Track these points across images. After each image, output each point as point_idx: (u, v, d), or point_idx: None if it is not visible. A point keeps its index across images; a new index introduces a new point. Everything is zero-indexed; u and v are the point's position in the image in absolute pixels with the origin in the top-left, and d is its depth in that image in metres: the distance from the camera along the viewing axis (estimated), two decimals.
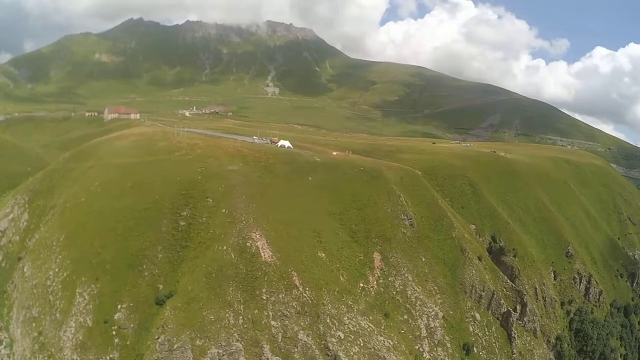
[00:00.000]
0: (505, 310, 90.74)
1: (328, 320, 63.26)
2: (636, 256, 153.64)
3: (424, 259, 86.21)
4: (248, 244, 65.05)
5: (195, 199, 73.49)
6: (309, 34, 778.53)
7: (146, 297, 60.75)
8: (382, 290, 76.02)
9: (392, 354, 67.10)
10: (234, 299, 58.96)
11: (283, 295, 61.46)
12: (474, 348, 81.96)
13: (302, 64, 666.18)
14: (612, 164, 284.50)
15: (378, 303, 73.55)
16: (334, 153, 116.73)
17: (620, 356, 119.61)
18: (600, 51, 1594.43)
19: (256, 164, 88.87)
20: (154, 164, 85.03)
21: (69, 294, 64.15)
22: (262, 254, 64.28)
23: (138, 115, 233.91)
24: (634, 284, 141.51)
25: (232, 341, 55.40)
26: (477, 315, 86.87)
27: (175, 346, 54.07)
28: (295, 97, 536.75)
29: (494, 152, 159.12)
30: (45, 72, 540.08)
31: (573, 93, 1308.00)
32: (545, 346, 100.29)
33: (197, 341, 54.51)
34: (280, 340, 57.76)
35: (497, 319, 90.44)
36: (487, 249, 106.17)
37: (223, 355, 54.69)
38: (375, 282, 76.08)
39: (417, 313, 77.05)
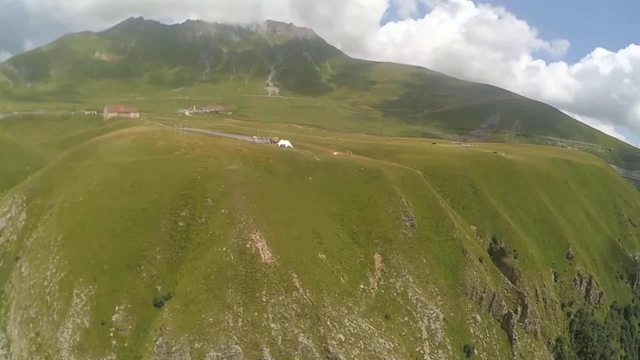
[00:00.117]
0: (506, 312, 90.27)
1: (328, 323, 62.65)
2: (636, 258, 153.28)
3: (424, 260, 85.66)
4: (248, 245, 64.41)
5: (194, 199, 72.77)
6: (309, 34, 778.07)
7: (144, 298, 60.05)
8: (383, 291, 75.45)
9: (392, 356, 66.58)
10: (233, 301, 58.28)
11: (283, 297, 60.79)
12: (475, 350, 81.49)
13: (302, 64, 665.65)
14: (612, 165, 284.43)
15: (379, 305, 72.97)
16: (335, 153, 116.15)
17: (621, 358, 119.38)
18: (600, 52, 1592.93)
19: (256, 164, 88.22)
20: (153, 164, 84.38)
21: (66, 294, 63.51)
22: (262, 256, 63.63)
23: (137, 114, 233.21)
24: (634, 286, 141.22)
25: (231, 344, 54.74)
26: (478, 317, 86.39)
27: (174, 349, 53.44)
28: (295, 96, 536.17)
29: (495, 152, 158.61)
30: (45, 70, 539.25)
31: (573, 94, 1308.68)
32: (545, 348, 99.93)
33: (196, 344, 53.87)
34: (280, 343, 57.12)
35: (498, 320, 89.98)
36: (488, 250, 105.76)
37: (222, 358, 54.08)
38: (375, 284, 75.51)
39: (418, 315, 76.52)
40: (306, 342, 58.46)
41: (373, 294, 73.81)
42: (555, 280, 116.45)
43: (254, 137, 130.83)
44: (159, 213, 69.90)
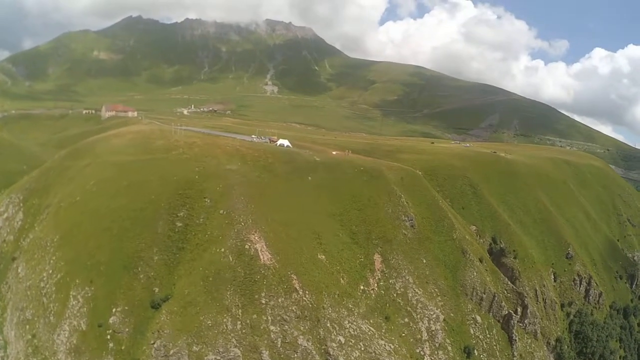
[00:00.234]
0: (506, 312, 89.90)
1: (328, 325, 61.96)
2: (635, 258, 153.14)
3: (424, 261, 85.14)
4: (246, 246, 63.63)
5: (192, 199, 71.87)
6: (309, 33, 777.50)
7: (141, 300, 59.17)
8: (383, 292, 74.86)
9: (393, 358, 66.05)
10: (232, 303, 57.47)
11: (282, 299, 60.02)
12: (475, 351, 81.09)
13: (301, 63, 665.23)
14: (610, 165, 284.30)
15: (379, 306, 72.36)
16: (334, 152, 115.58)
17: (620, 358, 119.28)
18: (599, 52, 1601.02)
19: (255, 164, 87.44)
20: (151, 163, 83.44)
21: (62, 296, 62.70)
22: (261, 257, 62.88)
23: (136, 113, 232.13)
24: (633, 286, 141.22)
25: (230, 347, 53.96)
26: (478, 318, 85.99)
27: (172, 352, 52.68)
28: (294, 95, 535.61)
29: (494, 152, 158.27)
30: (43, 69, 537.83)
31: (572, 94, 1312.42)
32: (545, 348, 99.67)
33: (194, 347, 53.07)
34: (279, 345, 56.37)
35: (498, 321, 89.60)
36: (488, 250, 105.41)
37: None
38: (375, 285, 74.91)
39: (418, 316, 76.02)
40: (306, 345, 57.77)
41: (373, 295, 73.21)
42: (555, 281, 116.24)
43: (253, 136, 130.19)
44: (156, 213, 69.01)
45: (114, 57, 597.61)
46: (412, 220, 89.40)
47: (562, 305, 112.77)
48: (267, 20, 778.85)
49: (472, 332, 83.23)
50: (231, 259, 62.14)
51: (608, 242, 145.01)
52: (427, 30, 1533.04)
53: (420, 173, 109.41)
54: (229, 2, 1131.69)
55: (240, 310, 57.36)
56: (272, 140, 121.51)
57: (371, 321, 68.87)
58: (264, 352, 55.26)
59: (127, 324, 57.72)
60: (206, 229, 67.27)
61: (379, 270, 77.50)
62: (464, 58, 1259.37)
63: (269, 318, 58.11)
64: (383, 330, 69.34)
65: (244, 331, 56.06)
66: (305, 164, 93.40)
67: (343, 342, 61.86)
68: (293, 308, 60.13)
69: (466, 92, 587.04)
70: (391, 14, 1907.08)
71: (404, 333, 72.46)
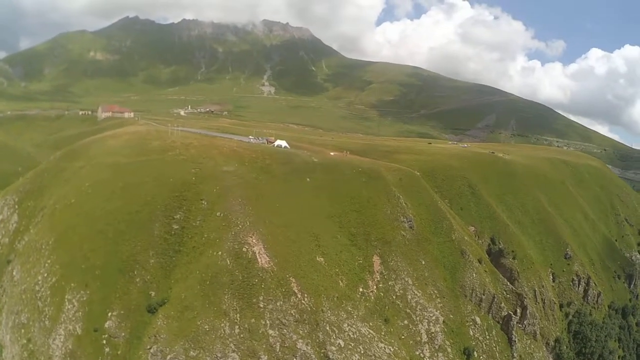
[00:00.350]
0: (506, 313, 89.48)
1: (327, 328, 61.25)
2: (633, 257, 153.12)
3: (423, 262, 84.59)
4: (244, 249, 62.87)
5: (188, 201, 71.15)
6: (306, 34, 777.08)
7: (137, 304, 58.41)
8: (382, 294, 74.25)
9: None
10: (230, 307, 56.68)
11: (281, 302, 59.24)
12: (475, 352, 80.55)
13: (298, 64, 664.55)
14: (607, 165, 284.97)
15: (378, 308, 71.74)
16: (332, 153, 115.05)
17: (619, 358, 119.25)
18: (595, 53, 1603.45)
19: (252, 165, 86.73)
20: (147, 164, 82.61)
21: (57, 300, 61.90)
22: (259, 260, 62.12)
23: (132, 114, 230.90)
24: (632, 285, 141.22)
25: (228, 352, 53.18)
26: (478, 319, 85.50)
27: (168, 357, 51.90)
28: (291, 96, 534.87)
29: (492, 152, 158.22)
30: (40, 70, 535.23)
31: (568, 94, 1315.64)
32: (544, 349, 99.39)
33: (191, 352, 52.26)
34: (278, 350, 55.59)
35: (498, 322, 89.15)
36: (487, 251, 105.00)
37: None
38: (375, 287, 74.29)
39: (418, 318, 75.45)
40: (305, 349, 57.02)
41: (372, 298, 72.58)
42: (554, 281, 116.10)
43: (250, 137, 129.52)
44: (152, 215, 68.25)
45: (111, 58, 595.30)
46: (410, 221, 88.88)
47: (561, 306, 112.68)
48: (264, 20, 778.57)
49: (471, 333, 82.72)
50: (228, 262, 61.38)
51: (606, 242, 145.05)
52: (424, 31, 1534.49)
53: (418, 174, 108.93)
54: (226, 3, 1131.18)
55: (238, 315, 56.58)
56: (270, 141, 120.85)
57: (370, 324, 68.24)
58: (262, 356, 54.49)
59: (123, 328, 56.97)
60: (203, 232, 66.53)
61: (377, 272, 76.91)
62: (461, 58, 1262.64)
63: (268, 322, 57.30)
64: (382, 333, 68.74)
65: (242, 336, 55.25)
66: (303, 165, 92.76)
67: (342, 345, 61.17)
68: (292, 312, 59.40)
69: (463, 92, 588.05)
70: (388, 14, 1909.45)
71: (403, 335, 71.90)
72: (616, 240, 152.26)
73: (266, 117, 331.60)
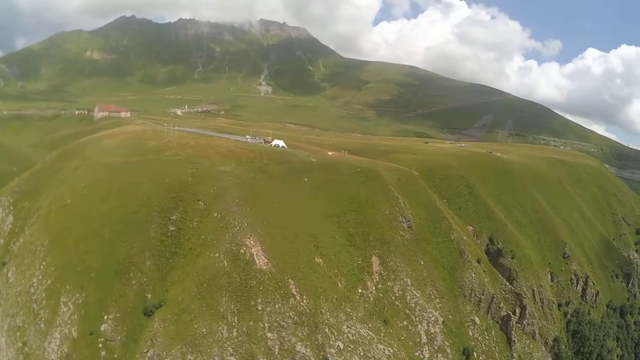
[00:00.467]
0: (505, 313, 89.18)
1: (327, 330, 60.66)
2: (631, 256, 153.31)
3: (422, 263, 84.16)
4: (242, 251, 62.15)
5: (185, 202, 70.31)
6: (303, 33, 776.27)
7: (134, 307, 57.59)
8: (381, 295, 73.72)
9: None
10: (228, 310, 55.99)
11: (279, 305, 58.60)
12: (474, 353, 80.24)
13: (295, 63, 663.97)
14: (604, 165, 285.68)
15: (377, 309, 71.20)
16: (330, 153, 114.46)
17: (617, 357, 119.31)
18: (592, 52, 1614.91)
19: (250, 165, 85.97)
20: (143, 165, 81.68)
21: (53, 302, 61.03)
22: (257, 261, 61.43)
23: (128, 114, 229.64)
24: (629, 284, 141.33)
25: (226, 355, 52.51)
26: (477, 319, 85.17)
27: None
28: (288, 96, 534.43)
29: (490, 152, 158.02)
30: (36, 69, 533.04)
31: (565, 94, 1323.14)
32: (543, 348, 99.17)
33: (189, 356, 51.57)
34: (277, 352, 54.94)
35: (497, 322, 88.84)
36: (485, 251, 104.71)
37: None
38: (374, 288, 73.74)
39: (417, 319, 75.00)
40: (304, 351, 56.41)
41: (371, 299, 72.03)
42: (552, 280, 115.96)
43: (247, 136, 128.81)
44: (148, 217, 67.40)
45: (107, 57, 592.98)
46: (409, 221, 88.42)
47: (560, 305, 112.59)
48: (261, 20, 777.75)
49: (470, 333, 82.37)
50: (226, 264, 60.66)
51: (604, 241, 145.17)
52: (421, 31, 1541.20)
53: (416, 173, 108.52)
54: (223, 2, 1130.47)
55: (236, 318, 55.88)
56: (267, 141, 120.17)
57: (370, 325, 67.71)
58: None
59: (119, 331, 56.19)
60: (200, 233, 65.78)
61: (376, 272, 76.39)
62: (457, 58, 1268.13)
63: (266, 325, 56.62)
64: (382, 334, 68.23)
65: (240, 339, 54.55)
66: (301, 164, 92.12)
67: (342, 347, 60.61)
68: (290, 314, 58.76)
69: (460, 92, 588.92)
70: (385, 14, 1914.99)
71: (402, 336, 71.41)
72: (614, 240, 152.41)
73: (263, 117, 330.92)
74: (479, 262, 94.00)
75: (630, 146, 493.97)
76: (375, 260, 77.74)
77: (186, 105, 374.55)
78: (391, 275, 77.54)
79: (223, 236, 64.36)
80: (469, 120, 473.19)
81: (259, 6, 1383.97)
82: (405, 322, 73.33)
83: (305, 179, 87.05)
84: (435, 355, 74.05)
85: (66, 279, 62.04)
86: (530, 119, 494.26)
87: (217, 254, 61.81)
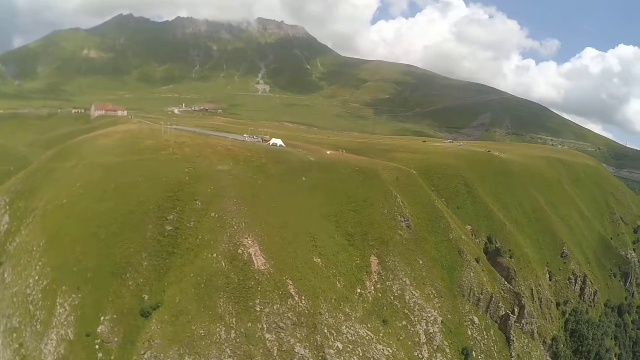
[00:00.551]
0: (504, 313, 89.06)
1: (326, 331, 60.22)
2: (629, 256, 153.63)
3: (421, 262, 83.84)
4: (240, 251, 61.61)
5: (182, 201, 69.65)
6: (301, 32, 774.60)
7: (131, 308, 57.00)
8: (380, 295, 73.34)
9: None
10: (226, 311, 55.43)
11: (278, 306, 58.09)
12: (473, 352, 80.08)
13: (293, 62, 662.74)
14: (602, 164, 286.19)
15: (376, 309, 70.82)
16: (328, 152, 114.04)
17: (615, 356, 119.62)
18: (590, 52, 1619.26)
19: (248, 164, 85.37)
20: (140, 164, 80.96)
21: (49, 304, 60.35)
22: (255, 262, 60.88)
23: (125, 113, 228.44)
24: (627, 284, 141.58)
25: (225, 357, 51.99)
26: (476, 319, 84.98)
27: None
28: (286, 95, 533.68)
29: (489, 151, 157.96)
30: (33, 68, 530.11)
31: (563, 93, 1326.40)
32: (542, 348, 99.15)
33: (187, 357, 51.01)
34: (276, 354, 54.47)
35: (496, 322, 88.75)
36: (484, 250, 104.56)
37: None
38: (373, 288, 73.33)
39: (416, 319, 74.70)
40: (303, 353, 55.98)
41: (370, 299, 71.63)
42: (550, 280, 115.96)
43: (245, 135, 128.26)
44: (145, 217, 66.73)
45: (105, 56, 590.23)
46: (408, 221, 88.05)
47: (558, 304, 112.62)
48: (259, 19, 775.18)
49: (470, 333, 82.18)
50: (224, 265, 60.10)
51: (602, 241, 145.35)
52: (419, 30, 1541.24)
53: (415, 173, 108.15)
54: (220, 1, 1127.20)
55: (234, 319, 55.34)
56: (265, 140, 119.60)
57: (369, 325, 67.31)
58: None
59: (116, 333, 55.61)
60: (197, 233, 65.15)
61: (375, 272, 75.99)
62: (455, 57, 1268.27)
63: (265, 326, 56.14)
64: (381, 335, 67.86)
65: (238, 340, 54.02)
66: (299, 164, 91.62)
67: (341, 348, 60.21)
68: (289, 315, 58.27)
69: (458, 91, 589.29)
70: (383, 13, 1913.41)
71: (402, 336, 71.08)
72: (612, 239, 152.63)
73: (261, 116, 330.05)
74: (477, 261, 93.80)
75: (627, 146, 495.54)
76: (374, 260, 77.35)
77: (184, 104, 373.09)
78: (390, 275, 77.18)
79: (221, 236, 63.79)
80: (467, 120, 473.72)
81: (256, 5, 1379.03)
82: (404, 322, 73.00)
83: (304, 179, 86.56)
84: (434, 355, 73.78)
85: (62, 280, 61.37)
86: (528, 118, 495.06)
87: (215, 255, 61.22)
